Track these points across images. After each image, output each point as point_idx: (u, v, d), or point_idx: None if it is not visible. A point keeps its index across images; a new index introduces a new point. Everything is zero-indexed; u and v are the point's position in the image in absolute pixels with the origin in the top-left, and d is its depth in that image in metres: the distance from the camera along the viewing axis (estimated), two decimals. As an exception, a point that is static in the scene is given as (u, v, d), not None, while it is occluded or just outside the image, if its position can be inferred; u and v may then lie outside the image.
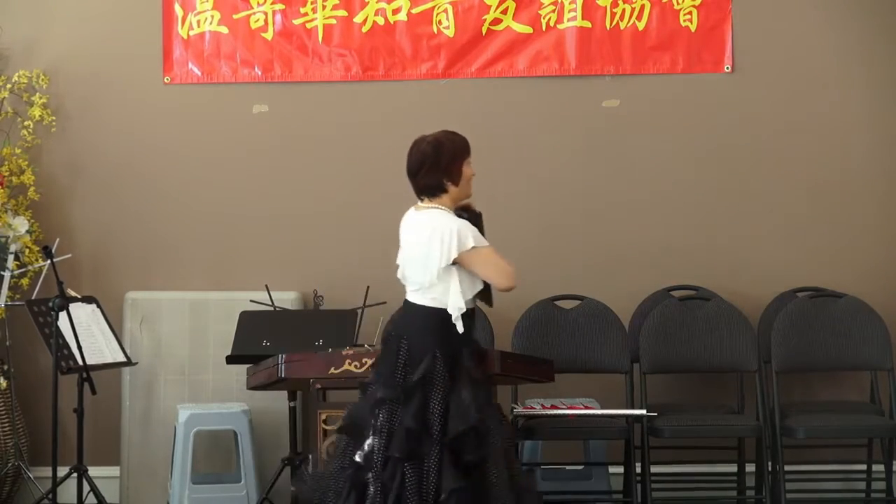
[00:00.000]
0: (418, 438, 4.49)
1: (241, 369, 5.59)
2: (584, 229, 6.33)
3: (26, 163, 6.31)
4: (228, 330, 5.85)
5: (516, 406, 5.68)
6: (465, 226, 4.62)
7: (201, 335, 6.25)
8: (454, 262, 4.58)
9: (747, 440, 5.97)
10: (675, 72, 6.36)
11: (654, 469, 5.74)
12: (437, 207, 4.68)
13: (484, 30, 6.36)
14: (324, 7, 6.39)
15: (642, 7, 6.33)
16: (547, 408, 5.64)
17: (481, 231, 4.69)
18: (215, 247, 6.45)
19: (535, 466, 5.94)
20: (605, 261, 6.35)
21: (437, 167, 4.66)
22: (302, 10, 6.40)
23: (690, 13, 6.34)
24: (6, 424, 6.14)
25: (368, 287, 5.94)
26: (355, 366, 5.01)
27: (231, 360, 5.73)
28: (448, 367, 4.57)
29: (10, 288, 6.09)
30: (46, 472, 5.66)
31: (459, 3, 6.36)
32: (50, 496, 5.52)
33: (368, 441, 4.56)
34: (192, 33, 6.43)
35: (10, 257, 6.09)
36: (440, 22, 6.37)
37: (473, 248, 4.59)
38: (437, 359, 4.56)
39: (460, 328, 4.61)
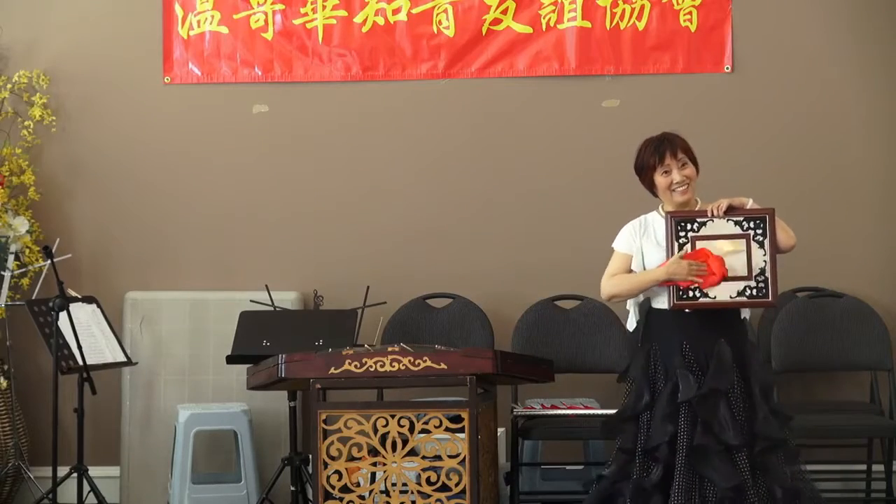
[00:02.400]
0: None
1: (241, 369, 5.59)
2: (584, 229, 6.31)
3: (26, 163, 6.31)
4: (228, 330, 5.85)
5: (516, 406, 5.68)
6: (626, 228, 4.81)
7: (201, 335, 6.25)
8: None
9: (747, 440, 5.97)
10: (675, 72, 6.36)
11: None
12: (657, 209, 4.82)
13: (484, 30, 6.36)
14: (324, 7, 6.39)
15: (642, 7, 6.33)
16: (547, 408, 5.63)
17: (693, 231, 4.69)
18: (215, 247, 6.45)
19: (535, 466, 5.95)
20: (606, 260, 6.31)
21: (636, 171, 4.79)
22: (302, 10, 6.40)
23: (690, 13, 6.34)
24: (6, 424, 6.14)
25: (368, 287, 5.94)
26: (355, 366, 4.99)
27: (231, 360, 5.73)
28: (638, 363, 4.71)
29: (10, 288, 6.09)
30: (46, 472, 5.65)
31: (459, 3, 6.36)
32: (50, 496, 5.51)
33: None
34: (192, 33, 6.43)
35: (11, 257, 6.09)
36: (440, 22, 6.37)
37: (612, 248, 4.83)
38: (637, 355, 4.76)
39: (629, 324, 4.83)
